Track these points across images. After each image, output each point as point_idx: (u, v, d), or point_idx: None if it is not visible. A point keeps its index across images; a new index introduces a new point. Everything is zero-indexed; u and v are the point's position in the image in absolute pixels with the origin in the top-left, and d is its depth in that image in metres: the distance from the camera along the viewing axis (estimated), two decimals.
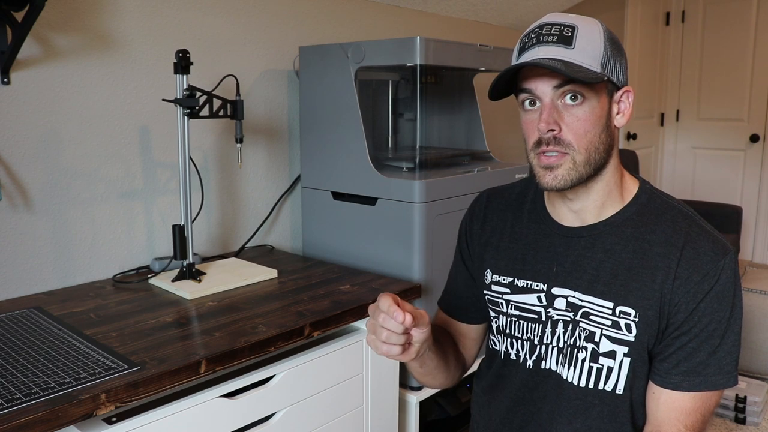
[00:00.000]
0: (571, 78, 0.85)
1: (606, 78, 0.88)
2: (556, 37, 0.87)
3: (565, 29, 0.87)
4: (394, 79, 2.05)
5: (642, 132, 4.17)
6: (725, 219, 3.35)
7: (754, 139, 4.07)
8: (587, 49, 0.87)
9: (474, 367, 1.19)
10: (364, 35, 2.20)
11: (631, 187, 0.98)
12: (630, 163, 3.57)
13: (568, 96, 0.88)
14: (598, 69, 0.87)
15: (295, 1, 1.97)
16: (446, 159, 2.00)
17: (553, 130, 0.88)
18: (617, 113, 0.93)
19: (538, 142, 0.90)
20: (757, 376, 2.73)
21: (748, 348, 2.76)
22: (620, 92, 0.93)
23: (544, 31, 0.88)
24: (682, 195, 4.30)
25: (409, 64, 1.65)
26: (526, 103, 0.91)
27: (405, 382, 1.66)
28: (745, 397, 2.43)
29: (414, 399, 1.65)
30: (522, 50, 0.90)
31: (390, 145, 2.11)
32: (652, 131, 4.37)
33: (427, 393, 1.68)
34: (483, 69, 1.90)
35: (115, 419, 1.02)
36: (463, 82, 2.20)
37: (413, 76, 1.76)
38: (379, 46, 1.68)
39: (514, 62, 0.92)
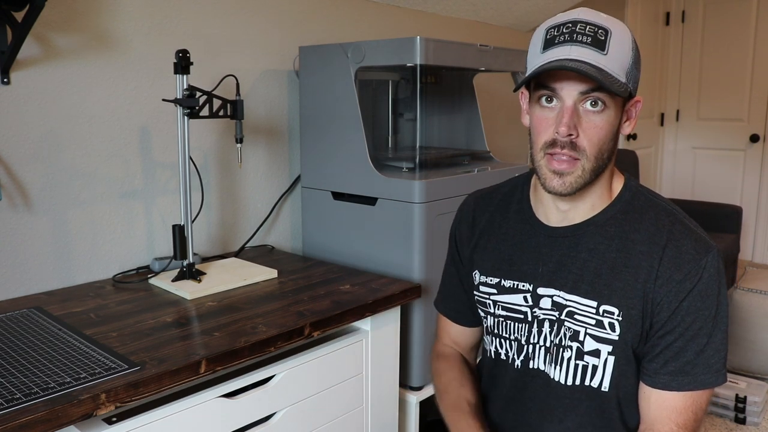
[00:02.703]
0: (607, 89, 0.83)
1: (630, 89, 0.87)
2: (590, 39, 0.84)
3: (600, 32, 0.84)
4: (394, 79, 2.05)
5: (642, 132, 4.17)
6: (725, 219, 3.35)
7: (754, 139, 4.07)
8: (618, 57, 0.85)
9: None
10: (364, 35, 2.20)
11: (616, 184, 0.97)
12: (630, 163, 3.57)
13: (589, 101, 0.86)
14: (623, 78, 0.85)
15: (295, 1, 1.97)
16: (446, 159, 2.00)
17: (571, 135, 0.87)
18: (625, 121, 0.93)
19: (552, 143, 0.88)
20: (757, 376, 2.73)
21: (748, 348, 2.76)
22: (632, 101, 0.92)
23: (578, 29, 0.85)
24: (682, 195, 4.30)
25: (409, 64, 1.65)
26: (543, 99, 0.89)
27: (405, 382, 1.66)
28: (745, 397, 2.43)
29: (414, 399, 1.65)
30: (550, 43, 0.86)
31: (390, 145, 2.11)
32: (652, 131, 4.37)
33: (427, 393, 1.68)
34: (483, 69, 1.90)
35: (115, 419, 1.02)
36: (463, 82, 2.20)
37: (413, 76, 1.76)
38: (379, 46, 1.68)
39: (538, 53, 0.88)
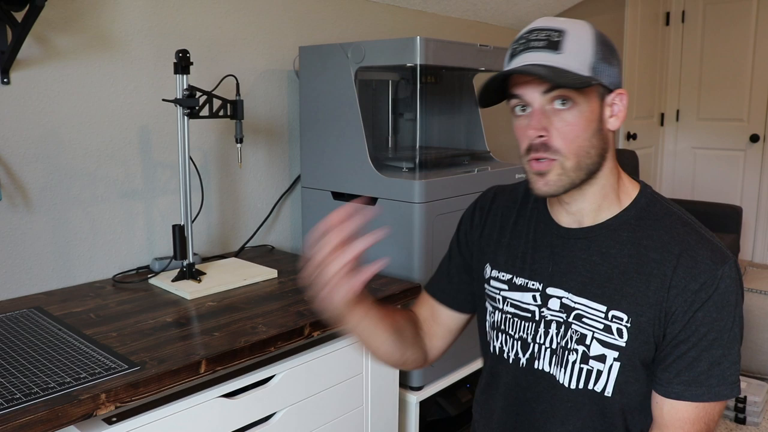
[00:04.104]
0: (556, 84, 0.85)
1: (595, 82, 0.87)
2: (544, 43, 0.87)
3: (553, 34, 0.88)
4: (394, 79, 2.05)
5: (642, 132, 4.17)
6: (725, 219, 3.35)
7: (754, 139, 4.07)
8: (575, 53, 0.87)
9: (475, 366, 1.19)
10: (364, 35, 2.20)
11: (631, 190, 0.97)
12: (630, 163, 3.57)
13: (557, 101, 0.88)
14: (586, 73, 0.87)
15: (295, 1, 1.97)
16: (446, 159, 2.00)
17: (542, 136, 0.88)
18: (610, 116, 0.92)
19: (529, 148, 0.91)
20: (757, 376, 2.73)
21: (748, 348, 2.76)
22: (613, 95, 0.92)
23: (532, 37, 0.89)
24: (682, 195, 4.30)
25: (409, 64, 1.65)
26: (517, 108, 0.92)
27: (405, 382, 1.66)
28: (745, 397, 2.44)
29: (414, 399, 1.65)
30: (512, 56, 0.91)
31: (390, 145, 2.11)
32: (652, 131, 4.37)
33: (427, 393, 1.68)
34: (483, 69, 1.90)
35: (115, 419, 1.02)
36: (463, 82, 2.20)
37: (413, 76, 1.76)
38: (379, 46, 1.68)
39: (504, 68, 0.92)
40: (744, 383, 2.52)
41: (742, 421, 2.44)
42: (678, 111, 4.40)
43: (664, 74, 4.38)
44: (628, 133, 4.03)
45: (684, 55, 4.33)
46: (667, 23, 4.33)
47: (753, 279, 3.03)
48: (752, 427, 2.43)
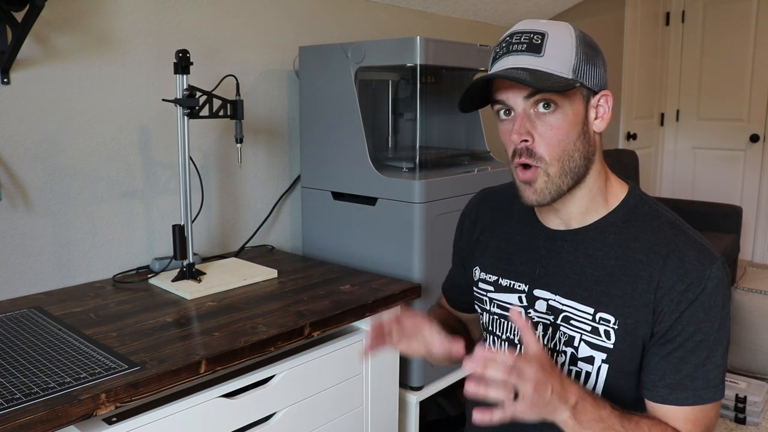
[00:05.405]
0: (537, 88, 0.85)
1: (578, 84, 0.87)
2: (525, 46, 0.87)
3: (535, 37, 0.87)
4: (394, 79, 2.05)
5: (642, 132, 4.17)
6: (725, 219, 3.35)
7: (754, 139, 4.07)
8: (557, 56, 0.86)
9: None
10: (364, 35, 2.20)
11: (618, 192, 0.97)
12: (630, 163, 3.57)
13: (541, 104, 0.87)
14: (569, 75, 0.86)
15: (295, 1, 1.97)
16: (446, 159, 2.00)
17: (525, 141, 0.88)
18: (595, 118, 0.92)
19: (515, 153, 0.90)
20: (757, 376, 2.73)
21: (748, 348, 2.76)
22: (597, 96, 0.91)
23: (513, 40, 0.88)
24: (682, 195, 4.30)
25: (409, 64, 1.65)
26: (501, 113, 0.92)
27: (405, 382, 1.66)
28: (745, 397, 2.44)
29: (414, 399, 1.65)
30: (494, 60, 0.91)
31: (390, 145, 2.11)
32: (652, 131, 4.37)
33: (427, 393, 1.68)
34: (483, 69, 1.90)
35: (115, 419, 1.02)
36: (463, 82, 2.19)
37: (413, 76, 1.76)
38: (379, 46, 1.68)
39: (489, 71, 0.92)
40: (744, 383, 2.52)
41: (742, 421, 2.44)
42: (678, 111, 4.40)
43: (664, 74, 4.38)
44: (628, 133, 4.03)
45: (684, 56, 4.33)
46: (667, 23, 4.33)
47: (753, 279, 3.03)
48: (752, 427, 2.43)
